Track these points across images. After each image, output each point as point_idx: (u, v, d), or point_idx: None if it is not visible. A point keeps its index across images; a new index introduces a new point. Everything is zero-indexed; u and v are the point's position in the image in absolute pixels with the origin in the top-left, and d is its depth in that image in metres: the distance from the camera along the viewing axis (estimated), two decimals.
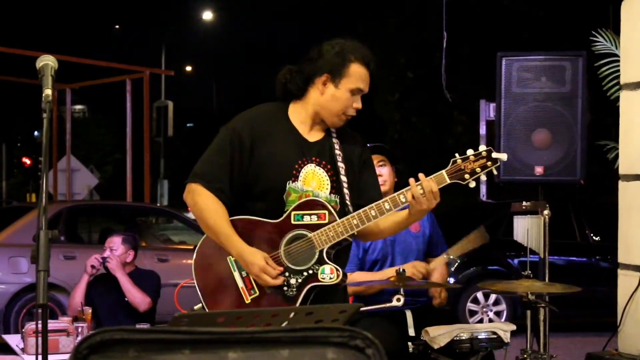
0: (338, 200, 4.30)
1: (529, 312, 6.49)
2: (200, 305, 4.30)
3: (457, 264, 12.81)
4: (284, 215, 4.21)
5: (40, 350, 3.13)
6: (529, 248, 6.61)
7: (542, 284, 5.99)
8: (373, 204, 4.18)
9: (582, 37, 8.61)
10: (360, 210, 4.17)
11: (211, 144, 4.38)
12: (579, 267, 13.26)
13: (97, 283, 7.27)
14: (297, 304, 4.10)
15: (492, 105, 6.94)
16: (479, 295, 12.85)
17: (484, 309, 12.88)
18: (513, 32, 25.92)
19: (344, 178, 4.34)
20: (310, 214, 4.17)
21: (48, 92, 3.22)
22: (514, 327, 5.53)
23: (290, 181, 4.25)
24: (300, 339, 2.53)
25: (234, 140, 4.30)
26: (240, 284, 4.23)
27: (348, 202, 4.31)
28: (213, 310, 4.22)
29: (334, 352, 2.51)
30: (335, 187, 4.32)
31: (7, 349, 6.79)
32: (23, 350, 5.85)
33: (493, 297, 12.86)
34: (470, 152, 4.19)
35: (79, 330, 5.90)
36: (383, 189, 5.90)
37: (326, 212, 4.17)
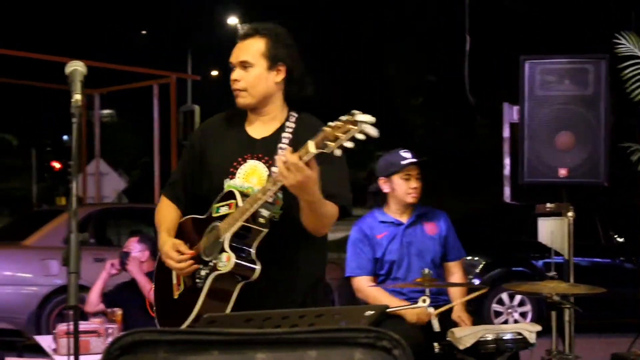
0: (281, 196, 3.98)
1: (554, 313, 6.45)
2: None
3: (481, 265, 12.83)
4: (209, 210, 4.11)
5: (72, 351, 3.13)
6: (553, 250, 6.58)
7: (567, 285, 5.96)
8: (261, 187, 3.93)
9: (605, 40, 8.56)
10: (251, 195, 3.93)
11: None
12: (603, 268, 13.18)
13: (124, 287, 7.28)
14: (202, 296, 3.90)
15: (516, 108, 6.89)
16: (504, 296, 12.83)
17: (509, 310, 12.86)
18: (536, 36, 25.81)
19: None
20: (223, 205, 4.03)
21: (77, 97, 3.23)
22: (539, 328, 5.50)
23: (228, 179, 4.13)
24: (328, 339, 2.52)
25: (187, 148, 4.40)
26: (174, 280, 4.17)
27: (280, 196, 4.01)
28: (155, 304, 4.32)
29: (362, 352, 2.51)
30: None
31: (39, 350, 6.82)
32: (55, 351, 5.87)
33: (518, 298, 12.83)
34: (342, 118, 3.60)
35: (110, 331, 5.92)
36: (415, 200, 5.96)
37: (234, 201, 3.98)
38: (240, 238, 3.92)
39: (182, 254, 3.99)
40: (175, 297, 4.13)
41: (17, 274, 11.96)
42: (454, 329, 5.38)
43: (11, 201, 63.67)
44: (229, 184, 4.09)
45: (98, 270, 11.56)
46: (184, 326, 3.92)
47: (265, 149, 4.12)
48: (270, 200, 3.86)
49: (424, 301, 5.37)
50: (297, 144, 3.96)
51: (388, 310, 5.44)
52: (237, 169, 4.13)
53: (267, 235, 3.95)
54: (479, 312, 12.05)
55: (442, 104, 32.55)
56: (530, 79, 6.78)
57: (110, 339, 5.26)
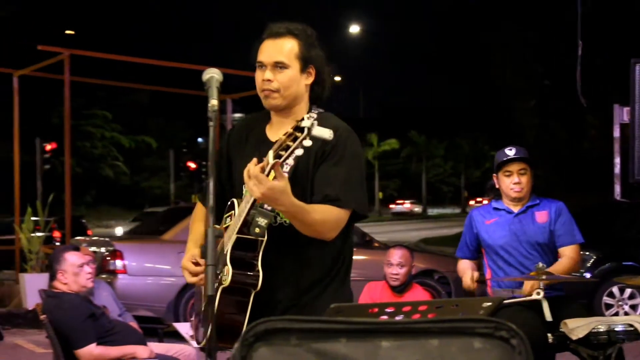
0: None
1: None
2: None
3: (592, 260, 12.67)
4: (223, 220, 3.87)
5: (207, 337, 3.18)
6: None
7: None
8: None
9: None
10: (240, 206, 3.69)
11: None
12: None
13: None
14: (215, 308, 3.53)
15: (626, 109, 6.78)
16: (615, 289, 12.67)
17: (620, 303, 12.68)
18: None
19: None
20: (228, 216, 3.81)
21: (214, 102, 3.27)
22: None
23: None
24: (449, 329, 2.52)
25: (219, 153, 4.05)
26: (202, 290, 3.82)
27: None
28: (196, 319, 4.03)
29: (481, 342, 2.50)
30: None
31: (178, 336, 6.96)
32: (192, 337, 5.96)
33: (628, 291, 12.65)
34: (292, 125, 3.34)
35: None
36: (519, 195, 5.91)
37: (233, 212, 3.77)
38: (242, 249, 3.64)
39: (199, 265, 3.75)
40: (202, 308, 3.86)
41: (156, 266, 12.29)
42: (566, 320, 5.31)
43: (151, 198, 65.00)
44: (246, 190, 3.69)
45: None
46: (205, 339, 3.67)
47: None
48: (268, 208, 3.58)
49: (538, 293, 5.38)
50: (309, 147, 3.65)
51: (505, 301, 5.44)
52: None
53: (279, 239, 3.72)
54: (590, 305, 11.90)
55: (555, 106, 32.20)
56: None
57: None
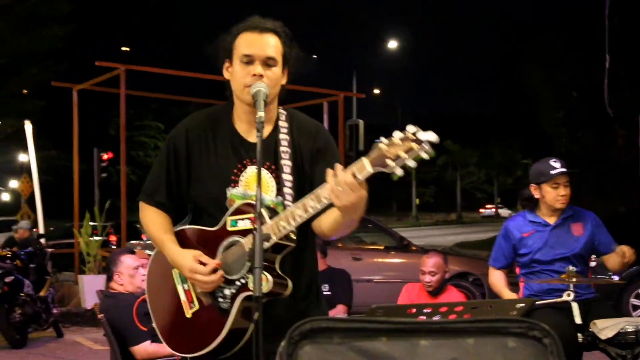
0: (282, 202, 3.47)
1: None
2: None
3: None
4: (222, 222, 3.45)
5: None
6: None
7: None
8: (299, 202, 3.26)
9: None
10: (287, 211, 3.29)
11: (156, 159, 3.76)
12: None
13: None
14: (232, 317, 3.29)
15: None
16: None
17: None
18: None
19: (287, 177, 3.50)
20: (243, 219, 3.38)
21: (261, 113, 3.27)
22: None
23: (230, 187, 3.49)
24: (484, 329, 2.51)
25: (170, 152, 3.62)
26: (182, 297, 3.52)
27: (288, 202, 3.43)
28: (158, 323, 3.61)
29: (514, 341, 2.49)
30: (279, 188, 3.50)
31: None
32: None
33: None
34: (396, 134, 3.02)
35: None
36: (564, 206, 5.89)
37: (240, 214, 3.40)
38: (266, 255, 3.24)
39: (206, 265, 3.37)
40: (189, 315, 3.48)
41: None
42: (596, 321, 5.28)
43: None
44: (232, 193, 3.49)
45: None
46: (209, 348, 3.37)
47: (266, 154, 3.45)
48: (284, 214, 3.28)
49: (569, 295, 5.36)
50: (295, 145, 3.55)
51: (537, 302, 5.43)
52: (238, 176, 3.50)
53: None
54: (617, 306, 11.80)
55: (583, 116, 32.04)
56: None
57: None
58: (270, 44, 3.47)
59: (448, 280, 7.44)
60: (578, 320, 5.37)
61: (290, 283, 3.36)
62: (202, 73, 17.20)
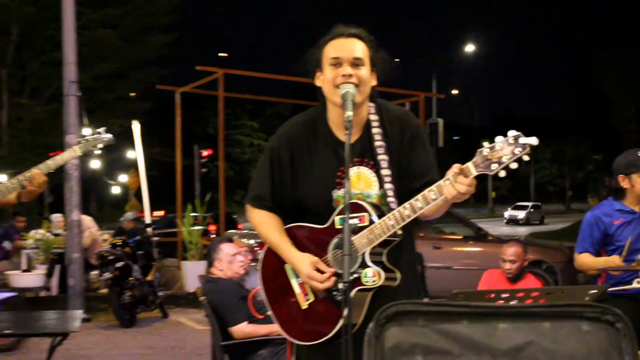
0: (384, 195, 3.48)
1: None
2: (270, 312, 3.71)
3: None
4: (330, 221, 3.45)
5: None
6: None
7: None
8: (407, 204, 3.26)
9: None
10: (400, 207, 3.29)
11: (259, 162, 3.77)
12: None
13: None
14: (347, 308, 3.14)
15: None
16: None
17: None
18: None
19: (386, 172, 3.49)
20: (352, 217, 3.33)
21: (349, 113, 3.26)
22: None
23: (336, 189, 3.49)
24: (559, 313, 2.48)
25: (273, 159, 3.62)
26: (297, 290, 3.56)
27: (390, 197, 3.45)
28: (275, 313, 3.64)
29: (588, 325, 2.45)
30: (380, 183, 3.49)
31: None
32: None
33: None
34: (498, 139, 3.09)
35: None
36: None
37: (365, 214, 3.36)
38: (374, 250, 3.35)
39: (323, 272, 3.41)
40: (304, 307, 3.53)
41: None
42: None
43: None
44: (338, 195, 3.48)
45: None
46: (326, 338, 3.42)
47: (361, 152, 3.52)
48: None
49: (638, 282, 5.24)
50: (388, 135, 3.53)
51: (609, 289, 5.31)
52: (342, 178, 3.46)
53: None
54: None
55: None
56: None
57: None
58: (356, 46, 3.47)
59: (525, 268, 7.37)
60: None
61: (398, 274, 3.40)
62: (294, 76, 17.32)
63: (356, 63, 3.44)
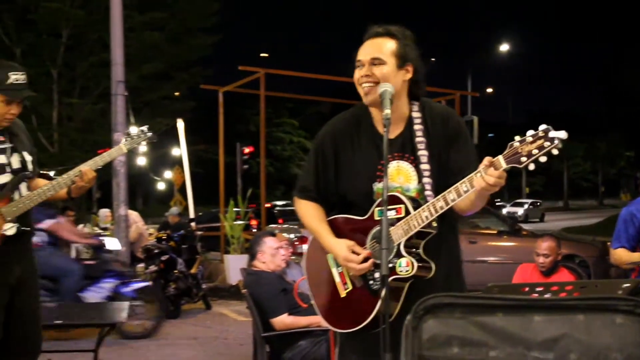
0: (422, 189, 3.51)
1: None
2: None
3: None
4: (369, 212, 3.51)
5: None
6: None
7: None
8: (440, 196, 3.30)
9: None
10: (434, 200, 3.33)
11: (307, 156, 3.88)
12: None
13: None
14: (383, 297, 3.10)
15: None
16: None
17: None
18: None
19: (425, 166, 3.51)
20: (389, 209, 3.36)
21: (387, 111, 3.27)
22: None
23: (376, 182, 3.52)
24: (593, 306, 2.45)
25: (318, 154, 3.72)
26: (337, 279, 3.62)
27: (428, 191, 3.48)
28: (317, 301, 3.72)
29: (622, 318, 2.43)
30: (419, 178, 3.53)
31: None
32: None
33: None
34: (529, 133, 3.08)
35: None
36: None
37: (402, 206, 3.40)
38: (411, 241, 3.40)
39: (359, 254, 3.48)
40: (343, 295, 3.59)
41: None
42: None
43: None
44: (378, 187, 3.51)
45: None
46: (362, 325, 3.45)
47: (401, 147, 3.57)
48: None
49: None
50: (430, 133, 3.56)
51: None
52: (382, 171, 3.43)
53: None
54: None
55: None
56: None
57: None
58: (377, 47, 3.53)
59: (559, 262, 7.33)
60: None
61: (433, 265, 3.42)
62: (333, 75, 17.31)
63: (374, 63, 3.51)
